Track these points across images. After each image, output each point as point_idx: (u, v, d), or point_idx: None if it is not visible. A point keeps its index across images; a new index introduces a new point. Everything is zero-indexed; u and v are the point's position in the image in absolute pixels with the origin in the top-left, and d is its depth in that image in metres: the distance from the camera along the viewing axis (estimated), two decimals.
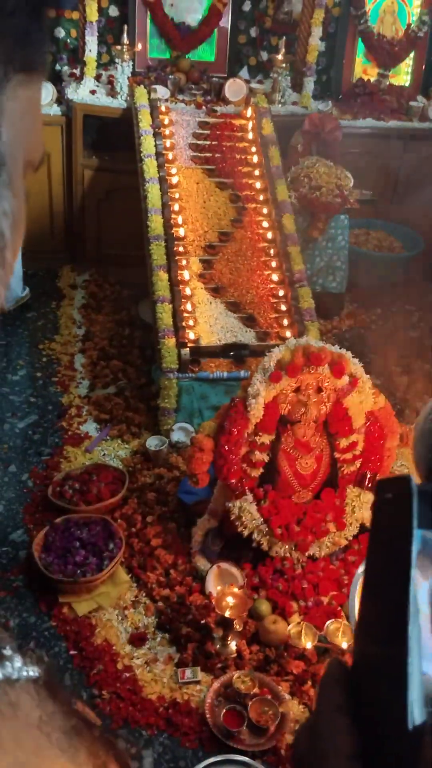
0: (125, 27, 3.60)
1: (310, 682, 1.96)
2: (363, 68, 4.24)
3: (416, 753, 0.36)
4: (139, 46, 3.76)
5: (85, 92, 3.60)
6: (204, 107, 3.57)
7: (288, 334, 2.84)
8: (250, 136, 3.47)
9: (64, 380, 3.15)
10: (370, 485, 2.25)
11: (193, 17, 3.82)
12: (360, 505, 2.26)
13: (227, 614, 2.00)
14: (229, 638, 2.03)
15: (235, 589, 2.06)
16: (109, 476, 2.55)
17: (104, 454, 2.76)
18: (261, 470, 2.19)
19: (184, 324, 2.80)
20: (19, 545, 2.35)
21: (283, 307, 2.96)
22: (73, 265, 3.97)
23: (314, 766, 0.41)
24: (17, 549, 2.34)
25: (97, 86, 3.67)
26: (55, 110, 3.65)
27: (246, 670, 1.97)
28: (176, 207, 3.13)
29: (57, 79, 3.82)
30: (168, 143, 3.34)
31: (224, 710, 1.86)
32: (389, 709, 0.37)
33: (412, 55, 4.27)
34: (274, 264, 3.08)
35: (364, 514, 2.28)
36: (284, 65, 3.75)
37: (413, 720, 0.36)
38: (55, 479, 2.54)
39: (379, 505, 0.41)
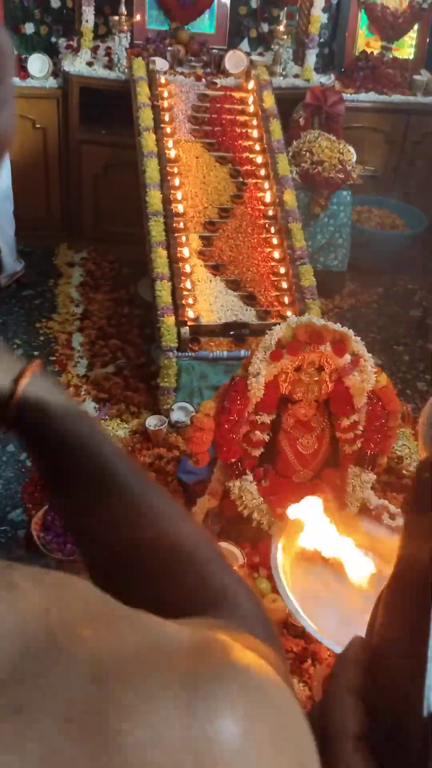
0: None
1: (309, 660, 1.96)
2: (366, 41, 4.15)
3: (428, 738, 0.35)
4: (137, 17, 3.67)
5: (82, 64, 3.52)
6: (204, 80, 3.50)
7: (289, 312, 2.81)
8: (251, 109, 3.40)
9: (62, 359, 3.12)
10: (371, 465, 2.23)
11: None
12: (361, 485, 2.24)
13: None
14: None
15: (235, 568, 2.05)
16: None
17: None
18: (261, 450, 2.17)
19: (183, 302, 2.77)
20: (18, 524, 2.34)
21: (284, 285, 2.92)
22: (70, 242, 3.92)
23: (320, 744, 0.40)
24: (16, 528, 2.33)
25: (94, 58, 3.58)
26: (51, 83, 3.57)
27: None
28: (175, 182, 3.07)
29: (53, 51, 3.74)
30: (167, 116, 3.27)
31: None
32: (406, 694, 0.37)
33: (416, 27, 4.17)
34: (275, 241, 3.03)
35: (365, 494, 2.26)
36: (285, 37, 3.66)
37: (429, 706, 0.36)
38: None
39: (419, 486, 0.39)
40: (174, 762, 0.25)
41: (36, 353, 3.16)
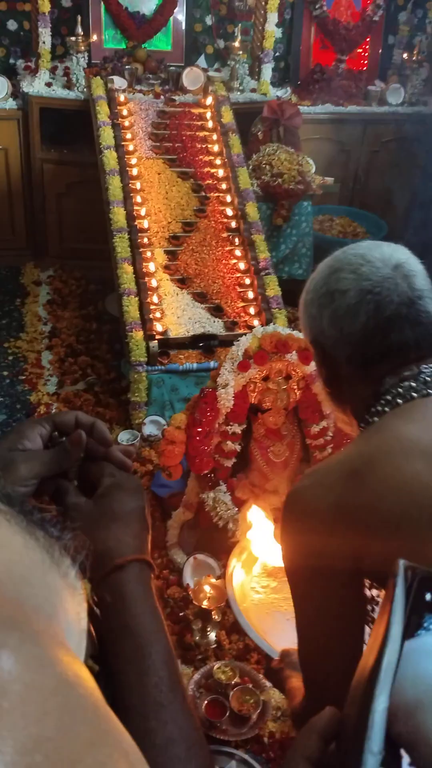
0: (79, 18, 3.55)
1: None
2: (320, 53, 4.24)
3: None
4: (94, 37, 3.71)
5: (41, 85, 3.54)
6: (162, 97, 3.54)
7: (256, 322, 2.84)
8: (210, 124, 3.45)
9: (32, 378, 3.11)
10: None
11: (147, 6, 3.77)
12: None
13: (205, 605, 1.99)
14: (208, 629, 2.03)
15: (213, 580, 2.06)
16: None
17: None
18: (233, 460, 2.19)
19: (151, 316, 2.78)
20: None
21: (250, 296, 2.96)
22: (36, 261, 3.92)
23: None
24: None
25: (53, 78, 3.60)
26: (11, 104, 3.58)
27: (226, 659, 1.97)
28: (138, 198, 3.10)
29: (11, 73, 3.75)
30: (128, 134, 3.30)
31: (206, 701, 1.86)
32: (351, 760, 0.39)
33: (368, 39, 4.28)
34: (239, 253, 3.07)
35: None
36: (241, 53, 3.73)
37: None
38: None
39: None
40: None
41: (5, 373, 3.15)
